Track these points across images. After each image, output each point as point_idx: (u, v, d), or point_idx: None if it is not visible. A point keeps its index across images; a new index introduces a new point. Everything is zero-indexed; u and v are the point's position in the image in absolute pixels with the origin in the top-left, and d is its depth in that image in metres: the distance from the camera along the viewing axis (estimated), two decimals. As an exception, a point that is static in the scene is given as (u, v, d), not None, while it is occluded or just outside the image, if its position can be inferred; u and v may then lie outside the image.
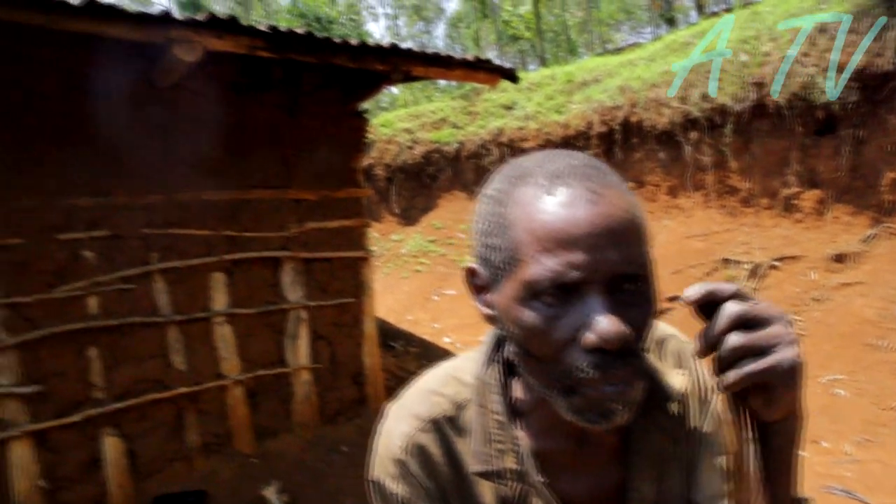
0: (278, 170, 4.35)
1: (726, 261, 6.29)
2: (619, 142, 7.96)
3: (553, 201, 0.64)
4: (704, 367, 0.84)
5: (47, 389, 3.47)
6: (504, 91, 9.87)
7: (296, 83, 4.42)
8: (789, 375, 0.57)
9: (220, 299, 4.10)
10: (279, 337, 4.38)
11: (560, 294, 0.63)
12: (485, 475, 0.78)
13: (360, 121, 4.83)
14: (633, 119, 7.78)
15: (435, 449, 0.79)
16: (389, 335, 6.22)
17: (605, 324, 0.61)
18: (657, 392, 0.79)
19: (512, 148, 9.16)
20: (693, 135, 7.14)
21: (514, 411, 0.80)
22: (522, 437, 0.79)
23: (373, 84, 4.55)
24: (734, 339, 0.57)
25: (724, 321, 0.58)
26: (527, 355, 0.69)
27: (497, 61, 4.70)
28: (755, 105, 6.46)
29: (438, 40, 34.66)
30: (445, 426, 0.80)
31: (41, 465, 3.44)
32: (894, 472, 3.53)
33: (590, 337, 0.62)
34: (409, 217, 10.49)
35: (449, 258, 9.08)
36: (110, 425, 3.66)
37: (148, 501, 3.68)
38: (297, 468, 4.09)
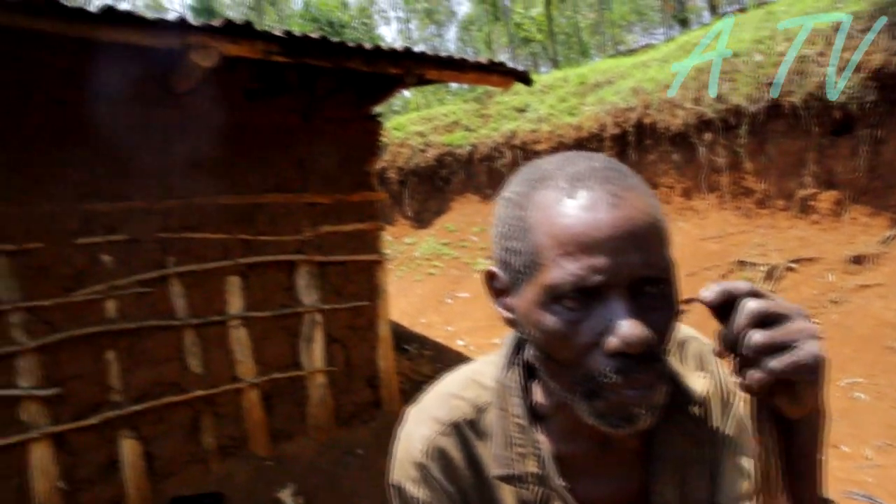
0: (293, 174, 4.38)
1: (742, 263, 6.24)
2: (633, 144, 7.92)
3: (574, 204, 0.64)
4: (726, 370, 0.83)
5: (66, 392, 3.51)
6: (516, 94, 9.86)
7: (310, 87, 4.45)
8: (812, 371, 0.56)
9: (235, 303, 4.13)
10: (294, 340, 4.40)
11: (582, 298, 0.63)
12: (506, 479, 0.77)
13: (373, 124, 4.85)
14: (647, 121, 7.74)
15: (456, 453, 0.79)
16: (403, 338, 6.22)
17: (627, 328, 0.61)
18: (679, 395, 0.79)
19: (525, 150, 9.15)
20: (707, 136, 7.09)
21: (535, 415, 0.79)
22: (543, 440, 0.78)
23: (386, 88, 4.56)
24: (755, 337, 0.57)
25: (743, 319, 0.58)
26: (548, 359, 0.68)
27: (510, 64, 4.70)
28: (770, 105, 6.41)
29: (450, 43, 34.71)
30: (466, 430, 0.80)
31: (60, 467, 3.48)
32: (916, 476, 3.48)
33: (612, 341, 0.62)
34: (421, 220, 10.50)
35: (462, 261, 9.08)
36: (128, 427, 3.70)
37: (165, 503, 3.71)
38: (312, 471, 4.11)
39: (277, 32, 3.52)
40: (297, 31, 3.69)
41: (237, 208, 4.14)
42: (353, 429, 4.56)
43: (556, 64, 19.99)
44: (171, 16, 3.46)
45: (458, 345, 6.75)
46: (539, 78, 10.33)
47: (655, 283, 0.64)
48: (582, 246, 0.62)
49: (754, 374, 0.57)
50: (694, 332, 0.87)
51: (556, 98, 9.46)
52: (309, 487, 3.91)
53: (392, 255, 9.65)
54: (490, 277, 0.75)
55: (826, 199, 6.05)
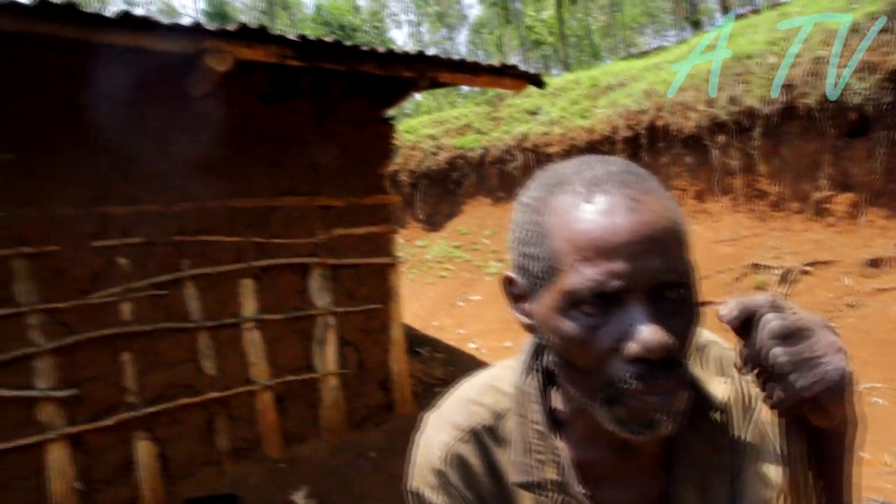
0: (306, 177, 4.40)
1: (756, 266, 6.19)
2: (645, 146, 7.89)
3: (592, 209, 0.64)
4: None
5: (83, 393, 3.54)
6: (528, 96, 9.86)
7: (323, 91, 4.47)
8: (838, 387, 0.56)
9: (249, 305, 4.15)
10: (307, 343, 4.41)
11: (601, 303, 0.63)
12: (525, 486, 0.77)
13: (386, 127, 4.86)
14: (659, 123, 7.71)
15: (474, 459, 0.79)
16: (416, 341, 6.23)
17: (647, 333, 0.60)
18: (700, 400, 0.78)
19: (536, 153, 9.13)
20: (720, 138, 7.05)
21: (554, 421, 0.79)
22: (563, 447, 0.78)
23: (400, 91, 4.58)
24: (779, 356, 0.56)
25: (764, 335, 0.57)
26: (567, 365, 0.68)
27: (522, 67, 4.70)
28: (785, 107, 6.36)
29: (461, 46, 34.74)
30: (485, 436, 0.80)
31: (77, 468, 3.51)
32: (935, 483, 3.43)
33: (632, 347, 0.61)
34: (433, 223, 10.51)
35: (474, 264, 9.08)
36: (143, 429, 3.72)
37: (179, 504, 3.74)
38: (325, 473, 4.11)
39: (291, 36, 3.54)
40: (310, 35, 3.71)
41: (251, 211, 4.16)
42: (365, 431, 4.56)
43: (567, 67, 19.95)
44: (185, 21, 3.49)
45: (470, 347, 6.75)
46: (550, 81, 10.31)
47: (675, 288, 0.64)
48: (600, 251, 0.62)
49: (780, 393, 0.56)
50: (714, 337, 0.86)
51: (567, 101, 9.44)
52: (322, 490, 3.92)
53: (404, 258, 9.67)
54: (508, 283, 0.75)
55: (842, 201, 6.00)
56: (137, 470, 3.71)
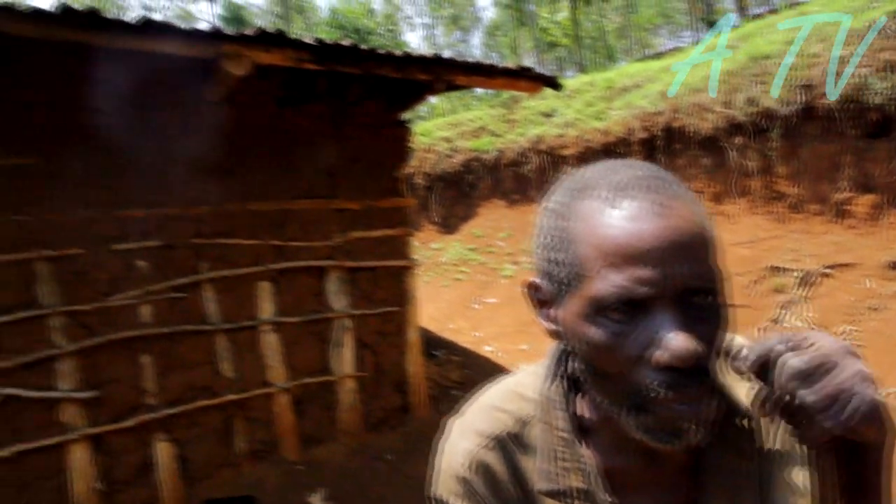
0: (323, 180, 4.42)
1: (774, 268, 6.12)
2: (661, 148, 7.83)
3: (618, 215, 0.63)
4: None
5: (103, 395, 3.58)
6: (543, 98, 9.83)
7: (340, 94, 4.49)
8: (870, 417, 0.55)
9: (266, 308, 4.17)
10: (324, 345, 4.43)
11: (628, 310, 0.62)
12: (551, 494, 0.76)
13: (402, 130, 4.88)
14: (676, 125, 7.65)
15: (499, 466, 0.78)
16: (432, 344, 6.23)
17: (677, 341, 0.60)
18: (727, 407, 0.77)
19: (552, 155, 9.10)
20: (738, 140, 6.98)
21: (580, 428, 0.78)
22: (588, 454, 0.77)
23: (415, 94, 4.59)
24: (805, 397, 0.55)
25: (786, 378, 0.56)
26: (593, 372, 0.67)
27: (537, 69, 4.69)
28: (804, 108, 6.28)
29: (475, 49, 34.76)
30: (509, 443, 0.79)
31: (97, 468, 3.55)
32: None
33: (661, 355, 0.60)
34: (448, 225, 10.50)
35: (489, 266, 9.06)
36: (162, 430, 3.76)
37: (198, 506, 3.77)
38: (342, 476, 4.13)
39: (309, 40, 3.56)
40: (328, 38, 3.73)
41: (268, 214, 4.19)
42: (382, 434, 4.57)
43: (582, 68, 19.89)
44: (203, 26, 3.53)
45: (486, 350, 6.73)
46: (565, 83, 10.27)
47: (703, 294, 0.63)
48: (627, 257, 0.61)
49: (810, 433, 0.56)
50: (740, 339, 0.85)
51: (582, 103, 9.40)
52: (339, 492, 3.93)
53: (419, 261, 9.68)
54: (532, 288, 0.74)
55: (863, 203, 5.91)
56: (157, 471, 3.75)
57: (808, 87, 6.26)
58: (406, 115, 4.96)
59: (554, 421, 0.78)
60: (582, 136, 8.83)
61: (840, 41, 5.69)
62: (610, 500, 0.75)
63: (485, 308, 8.17)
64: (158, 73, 3.56)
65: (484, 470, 0.78)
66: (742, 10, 16.09)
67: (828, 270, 5.74)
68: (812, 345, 0.58)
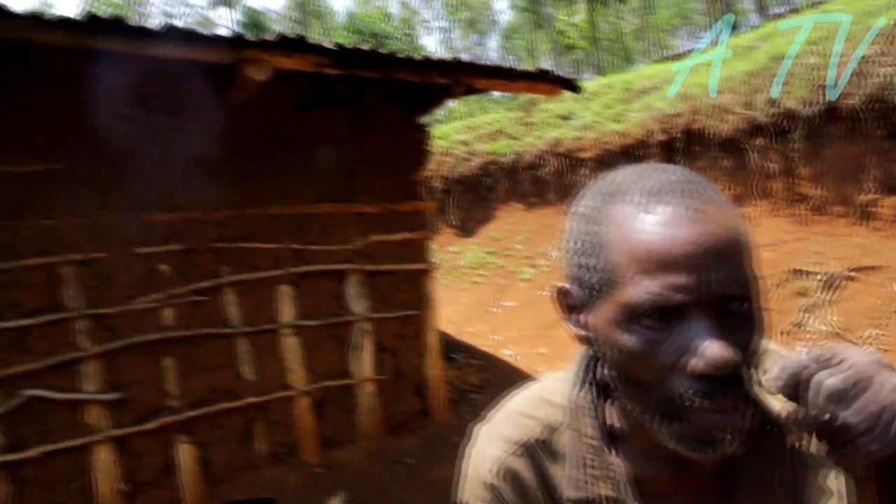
0: (343, 184, 4.45)
1: (797, 271, 6.03)
2: (681, 150, 7.77)
3: (652, 220, 0.62)
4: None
5: (127, 397, 3.63)
6: (561, 101, 9.78)
7: (359, 98, 4.52)
8: None
9: (287, 311, 4.20)
10: (344, 349, 4.45)
11: (662, 317, 0.61)
12: (580, 502, 0.75)
13: (421, 134, 4.89)
14: (695, 126, 7.58)
15: (527, 473, 0.78)
16: (450, 347, 6.23)
17: (712, 349, 0.59)
18: (761, 415, 0.76)
19: (569, 158, 9.07)
20: (759, 141, 6.90)
21: (610, 435, 0.77)
22: (618, 462, 0.76)
23: (434, 98, 4.60)
24: (848, 419, 0.53)
25: (822, 400, 0.54)
26: (625, 379, 0.67)
27: (555, 71, 4.68)
28: (827, 108, 6.20)
29: (492, 52, 34.77)
30: (537, 450, 0.78)
31: (121, 469, 3.59)
32: None
33: (697, 363, 0.60)
34: (466, 229, 10.50)
35: (507, 270, 9.04)
36: (184, 433, 3.80)
37: (219, 507, 3.80)
38: (362, 479, 4.13)
39: (329, 45, 3.58)
40: (348, 43, 3.75)
41: (289, 218, 4.22)
42: (401, 438, 4.58)
43: (599, 70, 19.81)
44: (222, 31, 3.57)
45: (505, 354, 6.71)
46: (583, 85, 10.24)
47: (739, 301, 0.62)
48: (662, 263, 0.61)
49: (855, 457, 0.54)
50: (771, 344, 0.84)
51: (600, 105, 9.35)
52: (359, 495, 3.94)
53: (437, 264, 9.69)
54: (562, 294, 0.74)
55: (889, 204, 5.81)
56: (178, 472, 3.78)
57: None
58: (424, 119, 4.97)
59: (583, 428, 0.77)
60: (600, 139, 8.79)
61: (867, 40, 5.61)
62: None
63: (503, 311, 8.15)
64: (181, 78, 3.60)
65: (512, 477, 0.78)
66: (762, 9, 15.93)
67: (853, 273, 5.65)
68: (843, 360, 0.56)
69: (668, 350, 0.62)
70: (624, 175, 0.70)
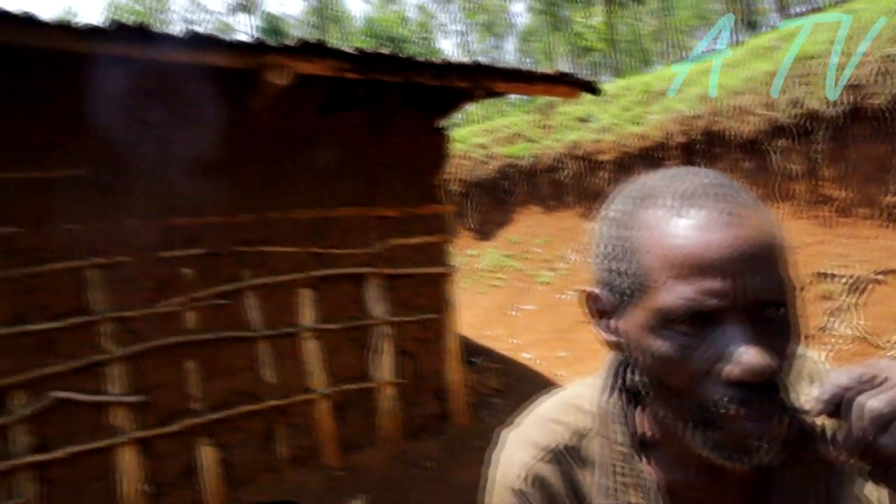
0: (363, 188, 4.46)
1: (822, 274, 5.94)
2: (701, 152, 7.69)
3: (685, 224, 0.62)
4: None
5: (150, 399, 3.67)
6: (579, 103, 9.75)
7: (379, 102, 4.53)
8: None
9: (307, 315, 4.22)
10: (364, 352, 4.46)
11: (696, 323, 0.60)
12: None
13: (440, 137, 4.89)
14: (715, 128, 7.51)
15: (555, 479, 0.77)
16: (470, 351, 6.22)
17: (748, 355, 0.58)
18: (798, 424, 0.75)
19: (588, 161, 9.02)
20: (781, 142, 6.82)
21: (641, 442, 0.76)
22: (648, 470, 0.75)
23: (454, 101, 4.60)
24: (892, 446, 0.51)
25: (867, 424, 0.52)
26: (658, 386, 0.66)
27: (576, 74, 4.66)
28: (851, 108, 6.10)
29: (509, 55, 34.72)
30: (566, 456, 0.77)
31: (145, 471, 3.63)
32: None
33: (732, 370, 0.58)
34: (484, 232, 10.49)
35: (526, 273, 9.01)
36: (206, 435, 3.83)
37: (241, 510, 3.82)
38: (382, 482, 4.14)
39: (349, 50, 3.61)
40: (367, 48, 3.77)
41: (309, 222, 4.25)
42: (421, 441, 4.57)
43: (617, 72, 19.70)
44: (243, 37, 3.60)
45: (524, 357, 6.69)
46: (602, 87, 10.19)
47: (775, 307, 0.61)
48: (695, 268, 0.60)
49: None
50: (805, 350, 0.82)
51: (619, 107, 9.30)
52: (378, 498, 3.95)
53: (456, 267, 9.68)
54: (591, 299, 0.73)
55: (916, 206, 5.71)
56: (201, 474, 3.82)
57: (855, 88, 6.08)
58: (443, 123, 4.97)
59: (612, 434, 0.76)
60: (619, 141, 8.73)
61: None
62: None
63: (522, 315, 8.13)
64: (203, 84, 3.64)
65: (540, 483, 0.77)
66: (783, 9, 15.74)
67: (879, 277, 5.55)
68: (886, 380, 0.54)
69: (702, 356, 0.61)
70: (655, 178, 0.69)
